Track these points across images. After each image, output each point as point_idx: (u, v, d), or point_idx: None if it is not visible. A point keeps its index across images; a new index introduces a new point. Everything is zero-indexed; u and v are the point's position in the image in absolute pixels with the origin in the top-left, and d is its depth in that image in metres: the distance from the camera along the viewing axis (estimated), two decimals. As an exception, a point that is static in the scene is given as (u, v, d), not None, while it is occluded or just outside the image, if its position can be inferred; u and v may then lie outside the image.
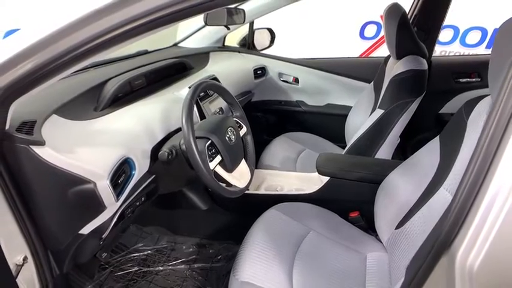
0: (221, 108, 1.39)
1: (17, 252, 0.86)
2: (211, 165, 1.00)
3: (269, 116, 2.17)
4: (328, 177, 1.35)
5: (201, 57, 1.84)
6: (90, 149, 0.88)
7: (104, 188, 0.83)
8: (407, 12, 1.37)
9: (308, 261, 1.12)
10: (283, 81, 2.07)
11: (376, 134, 1.38)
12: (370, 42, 3.77)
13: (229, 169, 1.08)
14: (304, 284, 1.04)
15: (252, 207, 1.31)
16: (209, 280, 1.42)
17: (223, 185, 1.07)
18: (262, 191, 1.49)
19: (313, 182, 1.43)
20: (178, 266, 1.47)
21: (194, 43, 1.99)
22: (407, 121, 1.36)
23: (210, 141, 1.01)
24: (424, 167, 1.03)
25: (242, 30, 2.11)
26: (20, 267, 0.87)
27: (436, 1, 1.60)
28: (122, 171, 0.91)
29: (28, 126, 0.81)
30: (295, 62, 2.04)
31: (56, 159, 0.80)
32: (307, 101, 2.09)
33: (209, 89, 1.19)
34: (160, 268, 1.46)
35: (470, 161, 0.53)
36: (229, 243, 1.54)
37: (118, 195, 0.88)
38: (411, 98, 1.31)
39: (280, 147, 1.82)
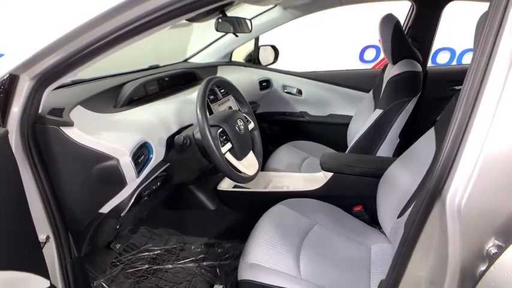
0: (230, 107, 1.48)
1: (41, 231, 0.92)
2: (223, 149, 1.07)
3: (274, 127, 2.26)
4: (332, 173, 1.41)
5: (210, 69, 1.97)
6: (112, 133, 0.97)
7: (127, 164, 0.91)
8: (402, 23, 1.49)
9: (314, 249, 1.16)
10: (287, 92, 2.18)
11: (376, 133, 1.46)
12: (370, 65, 3.91)
13: (239, 157, 1.15)
14: (311, 269, 1.08)
15: (259, 205, 1.36)
16: (218, 277, 1.44)
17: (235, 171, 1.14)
18: (268, 189, 1.55)
19: (318, 180, 1.49)
20: (188, 264, 1.50)
21: (203, 59, 2.12)
22: (405, 120, 1.44)
23: (221, 129, 1.09)
24: (422, 156, 1.09)
25: (248, 47, 2.25)
26: (43, 244, 0.93)
27: (428, 13, 1.73)
28: (141, 153, 0.99)
29: (58, 111, 0.90)
30: (298, 74, 2.16)
31: (83, 139, 0.88)
32: (310, 111, 2.19)
33: (220, 84, 1.29)
34: (170, 266, 1.49)
35: (453, 119, 0.61)
36: (237, 242, 1.58)
37: (138, 172, 0.95)
38: (407, 97, 1.40)
39: (285, 154, 1.90)
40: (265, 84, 2.12)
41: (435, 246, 0.66)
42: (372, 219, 1.35)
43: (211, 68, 2.00)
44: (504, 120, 0.55)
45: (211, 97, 1.48)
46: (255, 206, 1.54)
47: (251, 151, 1.25)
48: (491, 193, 0.58)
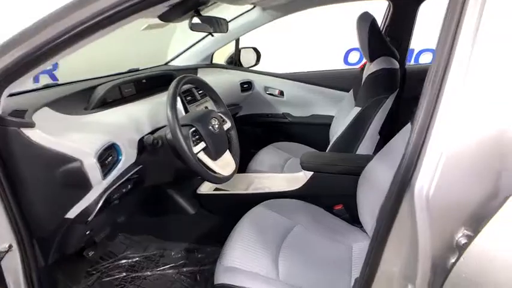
0: (206, 107, 1.46)
1: (2, 239, 0.87)
2: (195, 149, 1.04)
3: (257, 129, 2.24)
4: (312, 172, 1.39)
5: (190, 72, 1.94)
6: (79, 135, 0.93)
7: (91, 166, 0.87)
8: (380, 23, 1.49)
9: (294, 250, 1.14)
10: (269, 94, 2.17)
11: (355, 130, 1.45)
12: (354, 68, 3.94)
13: (214, 157, 1.12)
14: (290, 270, 1.05)
15: (240, 207, 1.33)
16: (198, 282, 1.40)
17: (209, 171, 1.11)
18: (248, 191, 1.52)
19: (298, 180, 1.47)
20: (167, 271, 1.46)
21: (184, 61, 2.10)
22: (384, 117, 1.43)
23: (194, 128, 1.06)
24: (399, 151, 1.08)
25: (229, 50, 2.24)
26: (3, 253, 0.88)
27: (404, 11, 1.74)
28: (108, 155, 0.95)
29: (20, 113, 0.86)
30: (279, 76, 2.15)
31: (45, 140, 0.84)
32: (293, 112, 2.18)
33: (192, 83, 1.26)
34: (149, 273, 1.44)
35: (417, 112, 0.60)
36: (218, 247, 1.54)
37: (105, 174, 0.91)
38: (385, 94, 1.40)
39: (267, 155, 1.87)
40: (246, 86, 2.10)
41: (406, 239, 0.64)
42: (352, 218, 1.33)
43: (192, 70, 1.97)
44: (465, 114, 0.55)
45: (189, 98, 1.45)
46: (235, 208, 1.51)
47: (227, 151, 1.22)
48: (458, 183, 0.57)
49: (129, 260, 1.51)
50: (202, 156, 1.09)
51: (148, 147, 1.08)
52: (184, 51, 2.11)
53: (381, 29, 1.92)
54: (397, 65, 1.46)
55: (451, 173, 0.56)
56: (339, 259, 1.14)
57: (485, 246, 0.54)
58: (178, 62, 2.11)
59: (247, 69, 2.18)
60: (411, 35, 1.80)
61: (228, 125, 1.28)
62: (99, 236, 1.29)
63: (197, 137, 1.07)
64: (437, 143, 0.57)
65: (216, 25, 1.38)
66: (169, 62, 2.15)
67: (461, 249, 0.57)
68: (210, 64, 2.13)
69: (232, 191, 1.56)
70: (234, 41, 2.15)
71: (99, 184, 0.92)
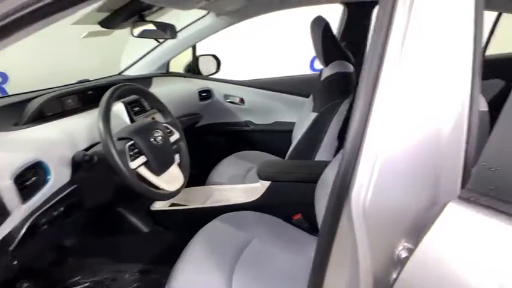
0: (153, 118, 1.37)
1: None
2: (133, 164, 0.96)
3: (219, 138, 2.17)
4: (270, 182, 1.33)
5: (144, 81, 1.85)
6: None
7: (6, 189, 0.77)
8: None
9: (251, 266, 1.07)
10: (229, 102, 2.11)
11: (313, 136, 1.41)
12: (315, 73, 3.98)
13: (157, 171, 1.04)
14: (245, 287, 0.98)
15: (197, 222, 1.26)
16: (152, 306, 1.30)
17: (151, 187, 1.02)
18: (205, 205, 1.44)
19: (257, 191, 1.41)
20: (120, 296, 1.35)
21: (139, 70, 2.00)
22: (341, 122, 1.40)
23: (132, 142, 0.98)
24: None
25: (188, 58, 2.17)
26: None
27: (359, 16, 1.74)
28: (32, 174, 0.85)
29: None
30: (239, 83, 2.10)
31: None
32: (255, 120, 2.13)
33: (131, 92, 1.18)
34: (99, 300, 1.33)
35: (352, 115, 0.56)
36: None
37: (26, 198, 0.81)
38: (340, 99, 1.37)
39: (229, 166, 1.81)
40: (205, 94, 2.03)
41: (348, 253, 0.59)
42: (312, 227, 1.29)
43: (146, 80, 1.88)
44: (399, 116, 0.52)
45: (137, 109, 1.36)
46: (193, 223, 1.43)
47: (175, 164, 1.14)
48: (395, 188, 0.53)
49: (79, 287, 1.39)
50: (143, 171, 1.00)
51: (83, 164, 0.98)
52: (139, 59, 2.02)
53: (338, 33, 1.92)
54: (351, 68, 1.44)
55: (388, 177, 0.53)
56: (298, 271, 1.08)
57: (426, 259, 0.50)
58: (133, 72, 2.02)
59: (205, 77, 2.12)
60: (367, 39, 1.80)
61: (175, 136, 1.20)
62: (37, 265, 1.17)
63: (136, 150, 0.99)
64: (373, 147, 0.53)
65: (162, 31, 1.31)
66: (123, 71, 2.05)
67: (402, 263, 0.52)
68: (166, 73, 2.04)
69: (189, 206, 1.48)
70: (191, 49, 2.08)
71: (18, 209, 0.81)
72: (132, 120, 1.30)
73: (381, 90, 0.53)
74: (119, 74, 2.04)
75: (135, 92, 1.17)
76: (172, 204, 1.52)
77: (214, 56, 2.21)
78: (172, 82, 1.95)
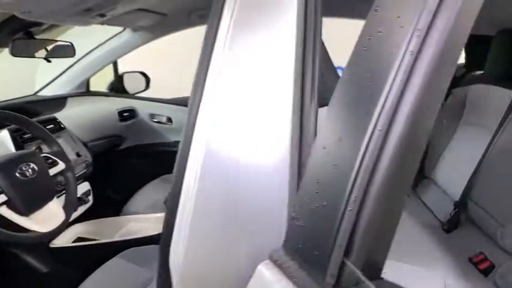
0: (39, 147, 1.23)
1: None
2: None
3: (145, 161, 2.03)
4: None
5: (57, 102, 1.71)
6: None
7: None
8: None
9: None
10: (156, 122, 1.99)
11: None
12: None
13: (24, 211, 0.90)
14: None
15: (103, 259, 1.13)
16: None
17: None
18: (113, 239, 1.31)
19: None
20: None
21: (55, 90, 1.85)
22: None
23: None
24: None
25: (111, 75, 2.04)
26: None
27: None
28: None
29: None
30: (166, 101, 1.99)
31: None
32: (184, 140, 2.02)
33: (5, 120, 1.05)
34: None
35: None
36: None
37: None
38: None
39: (150, 192, 1.69)
40: (127, 114, 1.90)
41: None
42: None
43: (59, 100, 1.74)
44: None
45: (26, 136, 1.21)
46: (99, 261, 1.29)
47: (54, 200, 1.01)
48: (207, 252, 0.46)
49: None
50: (5, 212, 0.87)
51: None
52: (55, 78, 1.87)
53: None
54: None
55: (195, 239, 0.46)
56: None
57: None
58: (50, 91, 1.86)
59: (129, 96, 1.99)
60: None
61: (59, 167, 1.07)
62: None
63: None
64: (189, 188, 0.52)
65: (53, 49, 1.19)
66: (38, 91, 1.89)
67: None
68: (85, 92, 1.90)
69: (94, 241, 1.34)
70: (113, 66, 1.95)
71: None
72: (19, 149, 1.16)
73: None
74: (34, 94, 1.89)
75: (9, 120, 1.04)
76: (79, 239, 1.37)
77: (142, 73, 2.09)
78: (89, 102, 1.82)
